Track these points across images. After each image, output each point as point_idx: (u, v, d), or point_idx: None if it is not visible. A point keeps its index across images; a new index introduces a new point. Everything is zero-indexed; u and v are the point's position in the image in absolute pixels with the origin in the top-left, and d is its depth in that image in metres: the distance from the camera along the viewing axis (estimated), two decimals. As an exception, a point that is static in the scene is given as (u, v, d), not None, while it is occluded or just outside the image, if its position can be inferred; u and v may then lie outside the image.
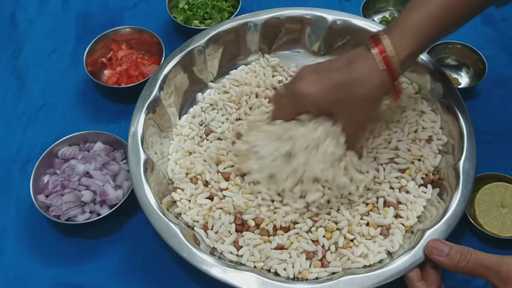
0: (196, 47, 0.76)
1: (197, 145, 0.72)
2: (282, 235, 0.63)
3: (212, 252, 0.62)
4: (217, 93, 0.77)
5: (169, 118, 0.74)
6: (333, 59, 0.62)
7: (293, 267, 0.60)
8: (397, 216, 0.65)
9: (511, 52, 0.87)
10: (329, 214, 0.64)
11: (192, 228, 0.64)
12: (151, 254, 0.68)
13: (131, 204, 0.67)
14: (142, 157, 0.66)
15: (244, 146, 0.66)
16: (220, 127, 0.73)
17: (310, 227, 0.63)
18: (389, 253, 0.62)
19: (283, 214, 0.63)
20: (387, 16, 0.91)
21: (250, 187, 0.65)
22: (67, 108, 0.83)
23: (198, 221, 0.65)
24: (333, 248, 0.62)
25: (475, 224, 0.66)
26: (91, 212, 0.69)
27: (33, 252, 0.69)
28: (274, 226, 0.63)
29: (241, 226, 0.64)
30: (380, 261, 0.61)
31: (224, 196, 0.66)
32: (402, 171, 0.67)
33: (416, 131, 0.70)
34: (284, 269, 0.60)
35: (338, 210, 0.64)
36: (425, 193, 0.66)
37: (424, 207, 0.65)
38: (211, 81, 0.79)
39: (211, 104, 0.76)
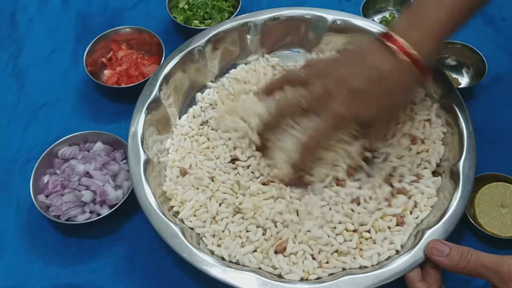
0: (196, 47, 0.76)
1: (195, 142, 0.72)
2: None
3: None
4: (216, 92, 0.77)
5: (169, 118, 0.74)
6: (352, 64, 0.61)
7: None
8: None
9: (511, 52, 0.87)
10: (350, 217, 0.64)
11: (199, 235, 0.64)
12: (151, 254, 0.68)
13: (131, 204, 0.67)
14: (142, 157, 0.66)
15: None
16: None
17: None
18: (397, 251, 0.62)
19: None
20: (387, 16, 0.91)
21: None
22: (67, 108, 0.83)
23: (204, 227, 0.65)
24: (341, 248, 0.62)
25: (475, 224, 0.66)
26: (91, 212, 0.69)
27: (33, 252, 0.69)
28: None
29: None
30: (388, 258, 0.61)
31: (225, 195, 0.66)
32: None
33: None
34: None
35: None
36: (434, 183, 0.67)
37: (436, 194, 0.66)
38: (211, 81, 0.79)
39: (210, 104, 0.76)
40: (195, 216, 0.65)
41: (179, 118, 0.75)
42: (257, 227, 0.63)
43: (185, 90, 0.77)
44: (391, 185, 0.66)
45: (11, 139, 0.80)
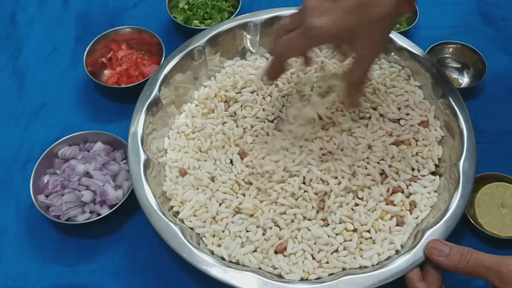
0: (196, 47, 0.76)
1: (192, 141, 0.72)
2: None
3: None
4: (211, 88, 0.77)
5: (169, 118, 0.74)
6: None
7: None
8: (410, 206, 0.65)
9: (511, 52, 0.87)
10: (350, 218, 0.64)
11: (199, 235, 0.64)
12: (151, 254, 0.68)
13: (131, 204, 0.67)
14: (142, 157, 0.66)
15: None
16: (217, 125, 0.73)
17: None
18: (397, 251, 0.62)
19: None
20: (387, 16, 0.91)
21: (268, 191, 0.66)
22: (67, 108, 0.83)
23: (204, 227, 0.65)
24: (341, 248, 0.62)
25: (475, 224, 0.66)
26: (91, 212, 0.69)
27: (33, 252, 0.69)
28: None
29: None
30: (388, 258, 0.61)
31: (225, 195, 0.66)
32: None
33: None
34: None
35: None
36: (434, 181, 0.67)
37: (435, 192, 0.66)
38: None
39: (207, 98, 0.76)
40: (195, 216, 0.65)
41: (178, 118, 0.75)
42: (257, 227, 0.63)
43: (185, 90, 0.77)
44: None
45: (11, 139, 0.80)
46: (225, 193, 0.66)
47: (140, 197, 0.63)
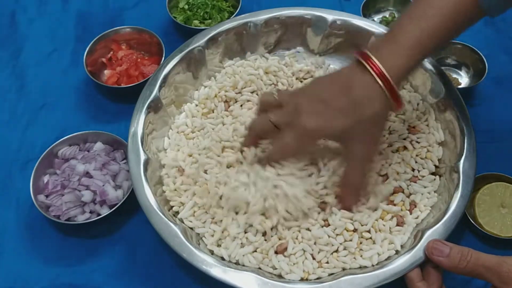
0: (196, 47, 0.76)
1: (191, 140, 0.72)
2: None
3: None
4: (211, 88, 0.77)
5: (169, 118, 0.74)
6: (324, 83, 0.61)
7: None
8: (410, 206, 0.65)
9: (511, 52, 0.87)
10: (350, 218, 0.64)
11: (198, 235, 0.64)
12: (151, 254, 0.68)
13: (131, 204, 0.67)
14: (142, 157, 0.66)
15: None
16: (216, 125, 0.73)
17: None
18: (397, 251, 0.62)
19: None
20: (387, 16, 0.91)
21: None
22: (67, 108, 0.83)
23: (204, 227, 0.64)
24: (341, 248, 0.62)
25: (475, 224, 0.66)
26: (91, 212, 0.69)
27: (33, 252, 0.69)
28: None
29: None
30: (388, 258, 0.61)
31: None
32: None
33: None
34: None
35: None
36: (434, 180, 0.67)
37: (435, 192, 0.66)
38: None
39: (207, 98, 0.76)
40: (194, 216, 0.65)
41: (178, 118, 0.75)
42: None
43: (185, 90, 0.77)
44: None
45: (11, 139, 0.80)
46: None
47: (140, 197, 0.63)
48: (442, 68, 0.74)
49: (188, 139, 0.72)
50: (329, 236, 0.62)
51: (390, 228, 0.63)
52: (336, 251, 0.62)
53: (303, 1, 0.89)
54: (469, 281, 0.64)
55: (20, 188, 0.73)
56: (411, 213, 0.65)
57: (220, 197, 0.64)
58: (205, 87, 0.78)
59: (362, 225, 0.63)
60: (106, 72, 0.84)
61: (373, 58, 0.56)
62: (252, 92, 0.76)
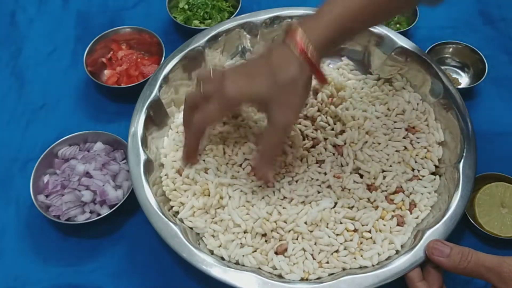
0: (196, 47, 0.76)
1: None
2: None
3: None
4: None
5: (169, 118, 0.74)
6: (251, 57, 0.64)
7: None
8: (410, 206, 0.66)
9: (511, 52, 0.87)
10: (352, 219, 0.64)
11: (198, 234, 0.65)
12: (151, 254, 0.68)
13: (131, 204, 0.67)
14: (142, 157, 0.66)
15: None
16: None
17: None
18: (397, 251, 0.62)
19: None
20: (387, 16, 0.91)
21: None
22: (67, 108, 0.83)
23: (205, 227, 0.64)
24: (341, 248, 0.62)
25: (475, 224, 0.66)
26: (91, 212, 0.69)
27: (33, 252, 0.69)
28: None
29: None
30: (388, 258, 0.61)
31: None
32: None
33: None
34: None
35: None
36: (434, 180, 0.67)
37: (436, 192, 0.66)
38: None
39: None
40: (194, 216, 0.65)
41: (178, 118, 0.75)
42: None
43: (185, 90, 0.77)
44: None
45: (11, 139, 0.80)
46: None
47: (140, 197, 0.63)
48: (442, 68, 0.74)
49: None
50: (329, 237, 0.62)
51: (390, 228, 0.63)
52: (337, 251, 0.62)
53: (303, 1, 0.89)
54: (469, 281, 0.64)
55: (20, 188, 0.73)
56: (411, 213, 0.65)
57: (221, 197, 0.65)
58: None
59: (362, 225, 0.63)
60: (106, 72, 0.84)
61: (294, 29, 0.59)
62: None
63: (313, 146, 0.70)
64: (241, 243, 0.62)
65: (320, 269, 0.61)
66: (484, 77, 0.79)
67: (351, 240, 0.62)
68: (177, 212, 0.65)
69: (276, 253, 0.62)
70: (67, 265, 0.68)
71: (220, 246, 0.62)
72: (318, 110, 0.73)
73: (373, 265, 0.60)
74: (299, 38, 0.58)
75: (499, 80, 0.83)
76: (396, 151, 0.69)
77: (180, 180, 0.67)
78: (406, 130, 0.71)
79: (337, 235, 0.63)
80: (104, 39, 0.85)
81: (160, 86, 0.72)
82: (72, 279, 0.67)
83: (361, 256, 0.61)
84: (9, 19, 0.95)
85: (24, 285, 0.67)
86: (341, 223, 0.63)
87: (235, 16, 0.86)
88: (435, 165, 0.68)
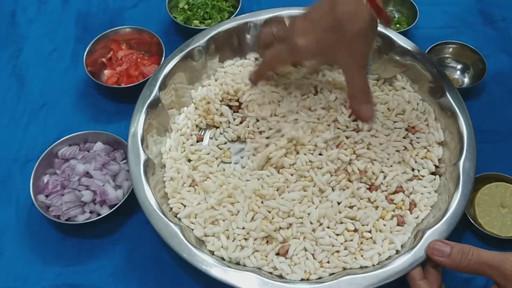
0: (196, 47, 0.76)
1: (191, 140, 0.73)
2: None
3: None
4: (211, 88, 0.77)
5: (169, 118, 0.74)
6: (317, 5, 0.64)
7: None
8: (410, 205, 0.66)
9: (511, 52, 0.87)
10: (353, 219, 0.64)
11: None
12: (151, 254, 0.68)
13: (131, 204, 0.67)
14: (142, 157, 0.66)
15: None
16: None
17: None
18: (397, 251, 0.62)
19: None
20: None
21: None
22: (67, 108, 0.83)
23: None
24: (342, 248, 0.62)
25: (475, 224, 0.66)
26: (91, 212, 0.69)
27: (33, 252, 0.69)
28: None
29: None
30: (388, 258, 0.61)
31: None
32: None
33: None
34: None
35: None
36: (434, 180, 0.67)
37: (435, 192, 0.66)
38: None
39: (205, 99, 0.76)
40: (195, 216, 0.65)
41: (178, 118, 0.75)
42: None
43: (185, 90, 0.77)
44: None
45: (11, 139, 0.80)
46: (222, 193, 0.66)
47: (140, 197, 0.63)
48: (442, 68, 0.74)
49: (188, 139, 0.72)
50: (329, 237, 0.62)
51: (390, 228, 0.63)
52: (337, 251, 0.62)
53: (303, 1, 0.89)
54: (469, 281, 0.64)
55: (20, 188, 0.73)
56: (411, 213, 0.65)
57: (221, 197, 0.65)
58: (205, 87, 0.78)
59: (363, 225, 0.63)
60: (106, 72, 0.84)
61: None
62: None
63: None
64: (241, 246, 0.62)
65: (321, 269, 0.61)
66: (484, 77, 0.79)
67: (351, 240, 0.62)
68: (177, 212, 0.65)
69: (277, 254, 0.62)
70: (67, 265, 0.68)
71: (221, 247, 0.62)
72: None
73: (373, 265, 0.60)
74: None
75: (499, 80, 0.83)
76: (396, 151, 0.69)
77: (181, 180, 0.67)
78: (406, 130, 0.71)
79: (338, 235, 0.63)
80: (104, 39, 0.85)
81: (160, 86, 0.72)
82: (72, 279, 0.67)
83: (362, 256, 0.61)
84: (9, 19, 0.95)
85: (24, 285, 0.67)
86: (341, 223, 0.63)
87: (235, 16, 0.86)
88: (435, 165, 0.68)
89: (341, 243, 0.62)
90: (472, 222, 0.66)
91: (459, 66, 0.84)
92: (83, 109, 0.82)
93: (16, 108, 0.83)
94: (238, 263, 0.61)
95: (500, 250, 0.66)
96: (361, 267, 0.60)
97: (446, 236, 0.59)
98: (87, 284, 0.66)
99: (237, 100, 0.76)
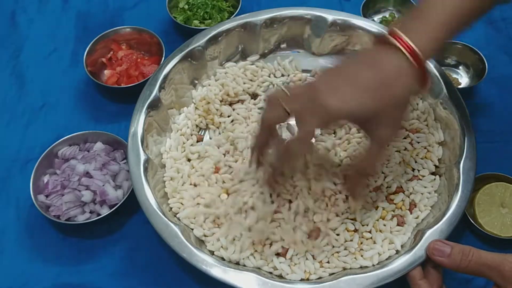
0: (196, 47, 0.76)
1: (191, 140, 0.73)
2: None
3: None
4: (211, 88, 0.77)
5: (169, 118, 0.74)
6: (349, 61, 0.55)
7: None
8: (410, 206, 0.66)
9: (511, 52, 0.87)
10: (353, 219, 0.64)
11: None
12: (151, 254, 0.68)
13: (131, 204, 0.67)
14: (142, 157, 0.66)
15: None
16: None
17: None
18: (397, 251, 0.62)
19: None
20: (387, 16, 0.91)
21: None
22: (67, 108, 0.83)
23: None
24: (342, 248, 0.62)
25: (475, 224, 0.66)
26: (91, 212, 0.69)
27: (33, 252, 0.69)
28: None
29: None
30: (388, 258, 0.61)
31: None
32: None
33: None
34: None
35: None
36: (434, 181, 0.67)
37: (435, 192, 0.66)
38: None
39: (206, 99, 0.76)
40: (195, 217, 0.65)
41: (178, 118, 0.75)
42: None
43: (185, 90, 0.77)
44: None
45: (11, 139, 0.80)
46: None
47: (140, 197, 0.63)
48: (442, 68, 0.74)
49: (188, 139, 0.72)
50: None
51: (390, 228, 0.63)
52: (337, 251, 0.62)
53: (303, 1, 0.89)
54: (469, 281, 0.64)
55: (20, 188, 0.73)
56: (411, 213, 0.65)
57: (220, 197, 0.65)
58: (205, 87, 0.78)
59: (363, 225, 0.63)
60: (106, 72, 0.84)
61: (402, 34, 0.52)
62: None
63: None
64: (241, 247, 0.62)
65: (321, 269, 0.61)
66: (484, 77, 0.79)
67: (351, 240, 0.62)
68: (177, 212, 0.65)
69: (277, 254, 0.62)
70: (67, 265, 0.68)
71: (221, 247, 0.62)
72: None
73: (373, 265, 0.60)
74: (411, 43, 0.51)
75: (499, 80, 0.83)
76: (397, 151, 0.69)
77: (181, 180, 0.67)
78: (406, 130, 0.71)
79: (338, 235, 0.63)
80: (104, 39, 0.85)
81: (160, 86, 0.72)
82: (72, 279, 0.67)
83: (362, 256, 0.61)
84: (9, 19, 0.95)
85: (24, 285, 0.67)
86: (342, 223, 0.63)
87: (235, 16, 0.86)
88: (435, 165, 0.68)
89: (341, 243, 0.62)
90: (472, 222, 0.66)
91: (459, 66, 0.84)
92: (83, 109, 0.82)
93: (16, 108, 0.83)
94: (238, 263, 0.61)
95: (500, 250, 0.66)
96: (361, 267, 0.60)
97: (446, 236, 0.59)
98: (87, 284, 0.66)
99: (237, 101, 0.76)
